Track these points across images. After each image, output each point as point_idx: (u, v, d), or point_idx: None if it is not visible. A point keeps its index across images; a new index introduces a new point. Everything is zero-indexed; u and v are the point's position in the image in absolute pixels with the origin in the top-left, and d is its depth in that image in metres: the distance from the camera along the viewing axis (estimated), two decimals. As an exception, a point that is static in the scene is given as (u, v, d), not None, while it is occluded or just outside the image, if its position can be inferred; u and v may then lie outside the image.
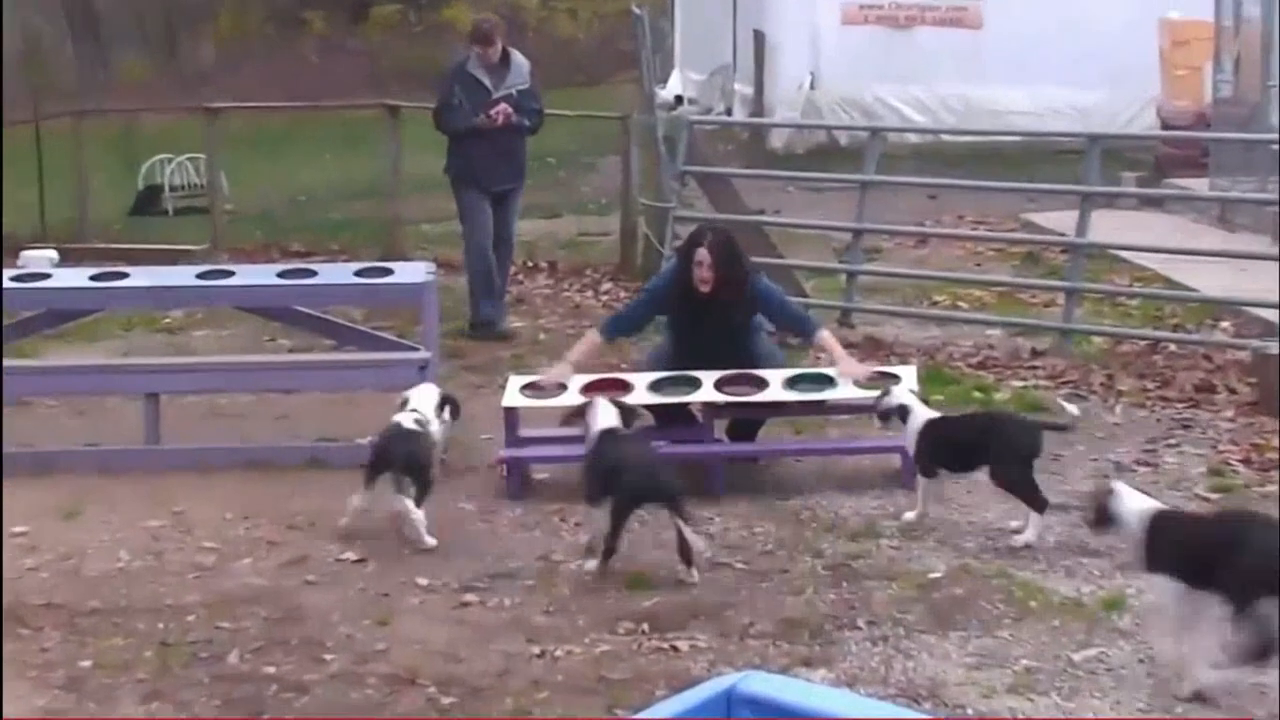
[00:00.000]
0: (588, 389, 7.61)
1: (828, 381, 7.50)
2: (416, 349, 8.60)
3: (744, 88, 22.55)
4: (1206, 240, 12.82)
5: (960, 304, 11.71)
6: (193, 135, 17.36)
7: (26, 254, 13.32)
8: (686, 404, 7.56)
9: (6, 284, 8.37)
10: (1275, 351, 8.54)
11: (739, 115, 22.13)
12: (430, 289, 8.51)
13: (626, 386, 7.60)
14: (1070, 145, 15.72)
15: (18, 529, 6.84)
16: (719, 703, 2.93)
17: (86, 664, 5.49)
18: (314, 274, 8.83)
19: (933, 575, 6.15)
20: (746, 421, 7.82)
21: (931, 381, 8.95)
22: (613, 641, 5.60)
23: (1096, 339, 10.28)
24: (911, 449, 6.84)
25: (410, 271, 8.82)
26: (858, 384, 7.42)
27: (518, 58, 11.03)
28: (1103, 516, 5.32)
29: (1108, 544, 6.44)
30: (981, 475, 6.71)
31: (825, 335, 7.73)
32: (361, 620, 5.83)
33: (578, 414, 6.84)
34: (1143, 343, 10.11)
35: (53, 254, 13.50)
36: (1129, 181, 15.33)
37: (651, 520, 6.88)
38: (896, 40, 20.83)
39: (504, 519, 6.94)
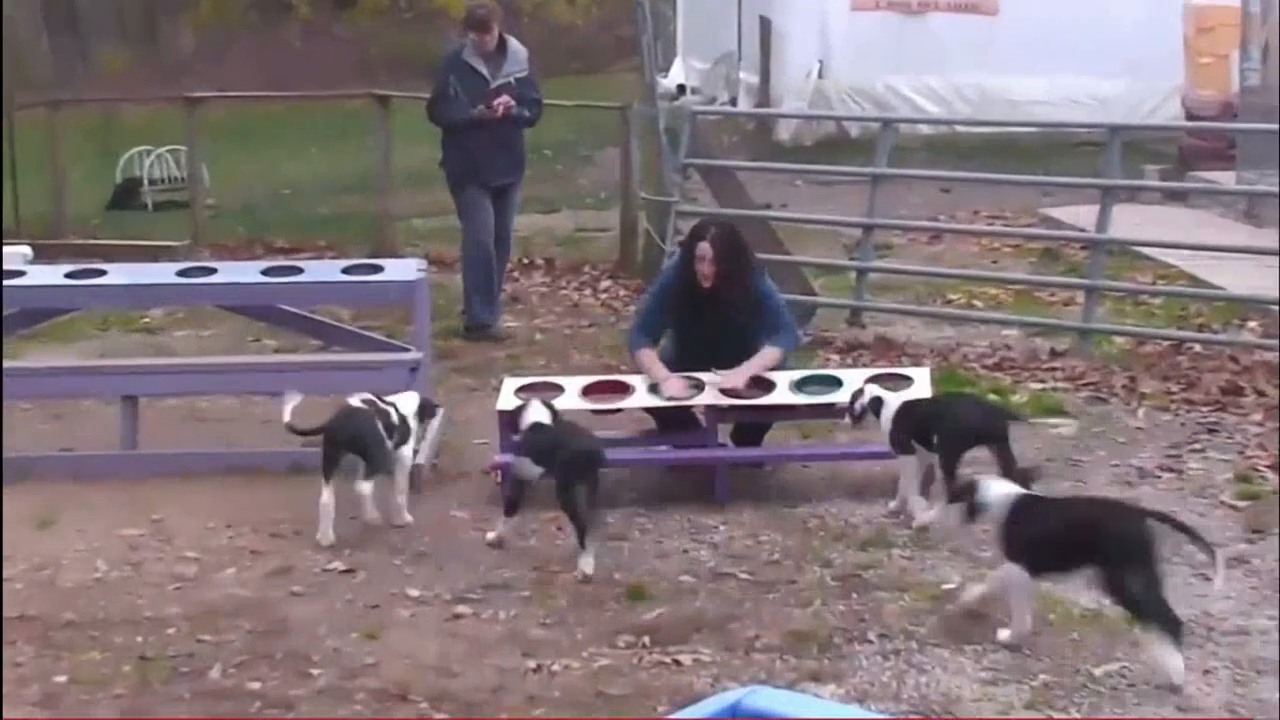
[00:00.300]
0: (588, 391, 7.62)
1: (836, 384, 7.50)
2: (407, 350, 8.59)
3: (749, 76, 22.56)
4: (1233, 236, 12.80)
5: (975, 303, 11.71)
6: (173, 126, 17.37)
7: (-1, 250, 13.33)
8: (689, 407, 7.55)
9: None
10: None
11: (744, 105, 22.13)
12: (422, 287, 8.51)
13: (627, 389, 7.61)
14: (1090, 137, 15.73)
15: (-10, 538, 6.84)
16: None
17: (62, 679, 5.49)
18: (300, 271, 8.84)
19: (947, 586, 6.14)
20: (752, 425, 7.82)
21: (946, 383, 8.94)
22: (612, 655, 5.60)
23: (1118, 339, 10.28)
24: (887, 435, 6.99)
25: (401, 269, 8.82)
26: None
27: (515, 45, 11.01)
28: (968, 505, 5.74)
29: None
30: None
31: (768, 351, 7.61)
32: (349, 633, 5.83)
33: (514, 416, 7.02)
34: (1166, 343, 10.11)
35: (26, 250, 13.49)
36: (1152, 175, 15.33)
37: (653, 529, 6.88)
38: (909, 27, 20.83)
39: (498, 527, 6.93)
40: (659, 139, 12.16)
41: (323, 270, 9.36)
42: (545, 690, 5.32)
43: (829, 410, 7.59)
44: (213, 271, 8.85)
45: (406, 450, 7.15)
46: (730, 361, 7.54)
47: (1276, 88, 14.24)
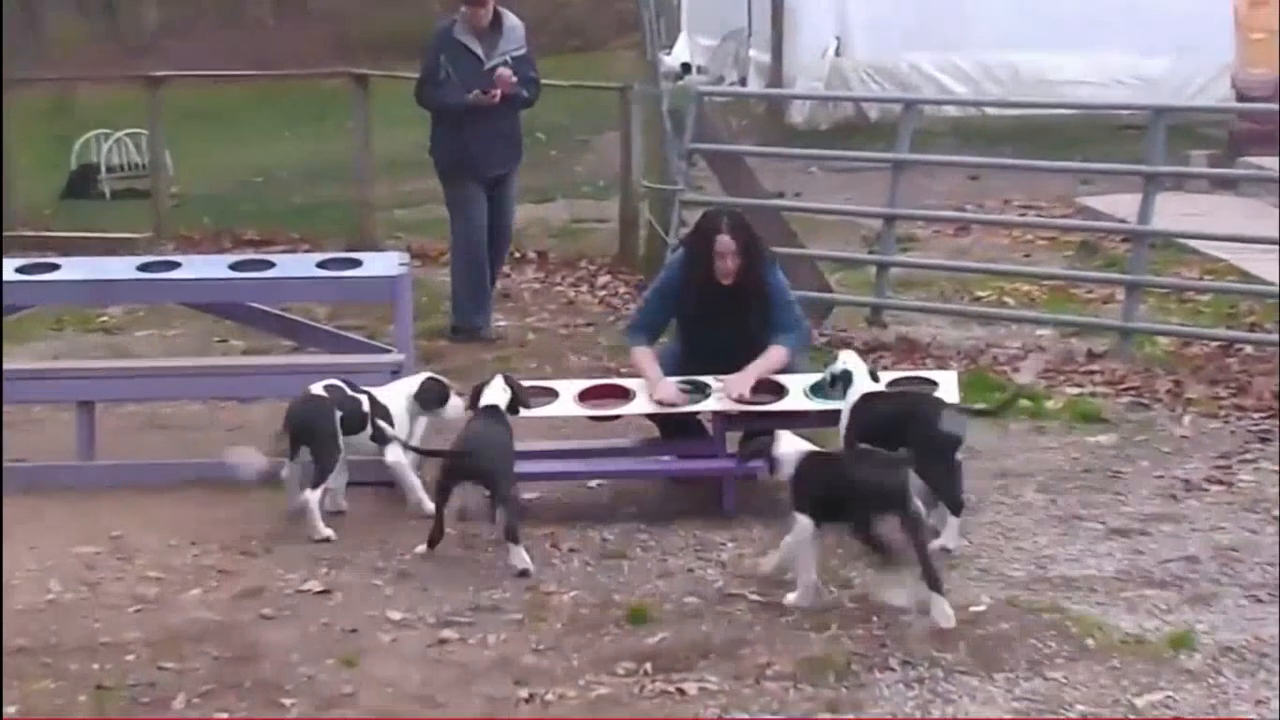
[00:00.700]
0: (585, 396, 7.61)
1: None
2: (388, 351, 8.59)
3: (760, 54, 22.54)
4: (1287, 227, 12.79)
5: (1006, 300, 11.70)
6: (133, 108, 17.37)
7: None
8: (695, 414, 7.55)
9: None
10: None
11: (754, 86, 22.12)
12: (404, 283, 8.50)
13: (627, 394, 7.60)
14: (1132, 119, 15.72)
15: (-66, 556, 6.83)
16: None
17: (12, 710, 5.49)
18: (271, 266, 8.83)
19: (975, 609, 6.14)
20: (762, 433, 7.80)
21: (973, 388, 8.93)
22: (611, 684, 5.59)
23: (1162, 340, 10.27)
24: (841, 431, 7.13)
25: (381, 263, 8.82)
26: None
27: (510, 19, 10.92)
28: (768, 460, 6.42)
29: (1175, 574, 6.45)
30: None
31: (774, 351, 7.62)
32: (325, 660, 5.83)
33: (475, 392, 7.21)
34: (1214, 344, 10.10)
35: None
36: (1199, 161, 15.32)
37: (655, 546, 6.88)
38: None
39: (488, 545, 6.94)
40: (662, 122, 12.15)
41: (296, 265, 9.35)
42: (538, 722, 5.32)
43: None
44: (176, 266, 8.85)
45: (393, 452, 7.16)
46: (742, 363, 7.53)
47: (1334, 66, 14.24)
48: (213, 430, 8.79)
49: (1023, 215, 14.61)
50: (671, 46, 25.50)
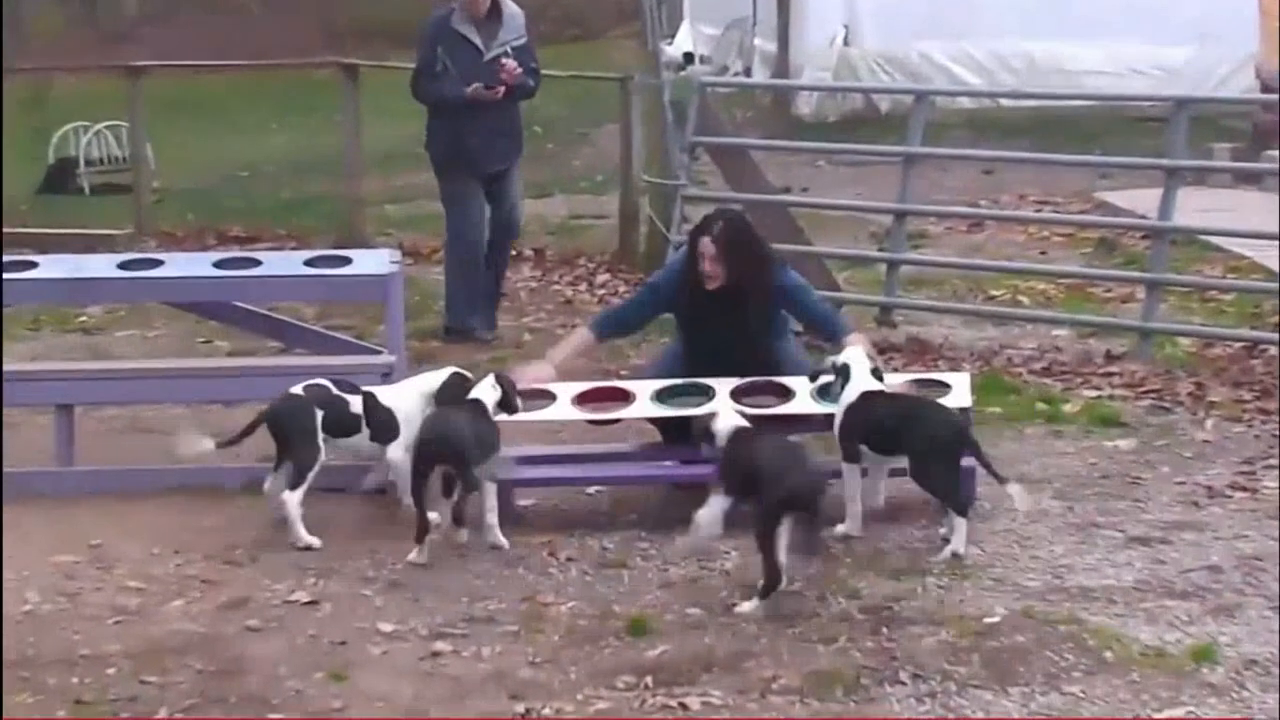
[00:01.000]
0: (583, 399, 7.62)
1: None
2: (379, 352, 8.59)
3: (766, 43, 22.56)
4: (1314, 223, 12.80)
5: (1021, 299, 11.71)
6: (113, 99, 17.38)
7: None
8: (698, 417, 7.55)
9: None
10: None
11: (759, 76, 22.14)
12: (395, 281, 8.51)
13: (627, 397, 7.61)
14: (1153, 111, 15.72)
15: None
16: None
17: (-12, 725, 5.49)
18: (257, 264, 8.82)
19: (989, 620, 6.15)
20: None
21: (987, 391, 8.95)
22: (611, 698, 5.60)
23: (1183, 341, 10.28)
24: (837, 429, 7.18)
25: (371, 261, 8.82)
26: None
27: (510, 7, 10.84)
28: (705, 433, 6.77)
29: (1197, 584, 6.45)
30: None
31: (856, 339, 7.68)
32: (313, 673, 5.83)
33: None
34: (1238, 345, 10.11)
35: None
36: (1222, 154, 15.35)
37: (656, 555, 6.89)
38: (946, -13, 20.84)
39: (482, 553, 6.94)
40: (664, 114, 12.16)
41: (283, 263, 9.34)
42: (535, 737, 5.32)
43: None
44: (158, 264, 8.85)
45: (394, 450, 7.18)
46: (742, 369, 7.55)
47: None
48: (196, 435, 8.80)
49: (1039, 211, 14.63)
50: (673, 35, 25.55)
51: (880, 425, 6.98)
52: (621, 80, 13.48)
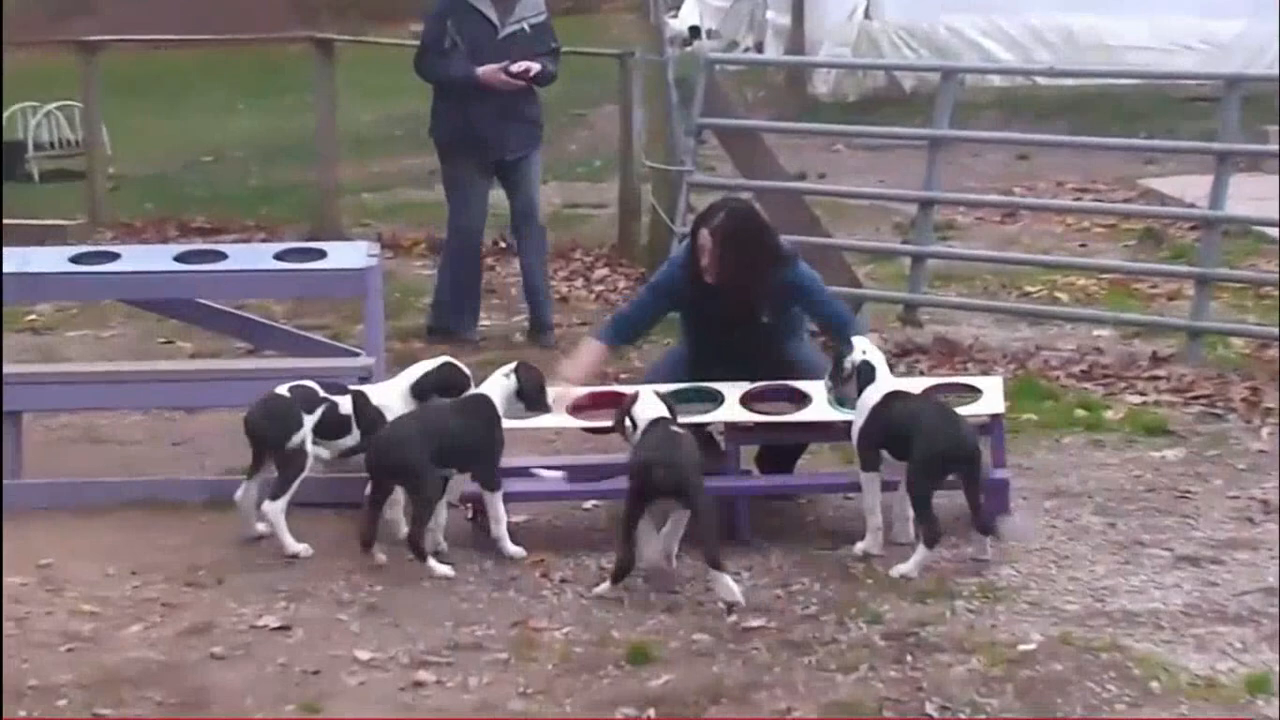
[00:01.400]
0: (579, 406, 7.62)
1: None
2: (356, 354, 8.59)
3: (779, 16, 22.58)
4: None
5: (1059, 296, 11.72)
6: (66, 77, 17.38)
7: None
8: (705, 425, 7.55)
9: None
10: None
11: (772, 52, 22.15)
12: (373, 276, 8.50)
13: (627, 403, 7.61)
14: (1202, 90, 15.73)
15: None
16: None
17: (-72, 762, 5.49)
18: (223, 257, 8.83)
19: (1024, 647, 6.14)
20: (782, 448, 7.82)
21: (1022, 397, 8.95)
22: (609, 733, 5.60)
23: (1236, 341, 10.28)
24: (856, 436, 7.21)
25: (347, 254, 8.82)
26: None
27: None
28: (620, 421, 6.98)
29: (1252, 608, 6.45)
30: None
31: (862, 341, 7.65)
32: (284, 705, 5.83)
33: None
34: (1296, 346, 10.12)
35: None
36: (1277, 137, 15.33)
37: (657, 576, 6.88)
38: (976, -45, 20.86)
39: (468, 574, 6.94)
40: (667, 94, 12.16)
41: (251, 256, 9.35)
42: (526, 776, 5.33)
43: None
44: (115, 257, 8.84)
45: None
46: (756, 372, 7.54)
47: None
48: (156, 445, 8.79)
49: (1078, 199, 14.63)
50: (678, 8, 25.54)
51: (903, 429, 6.97)
52: (621, 57, 13.49)
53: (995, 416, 7.40)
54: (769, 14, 23.12)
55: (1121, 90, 18.24)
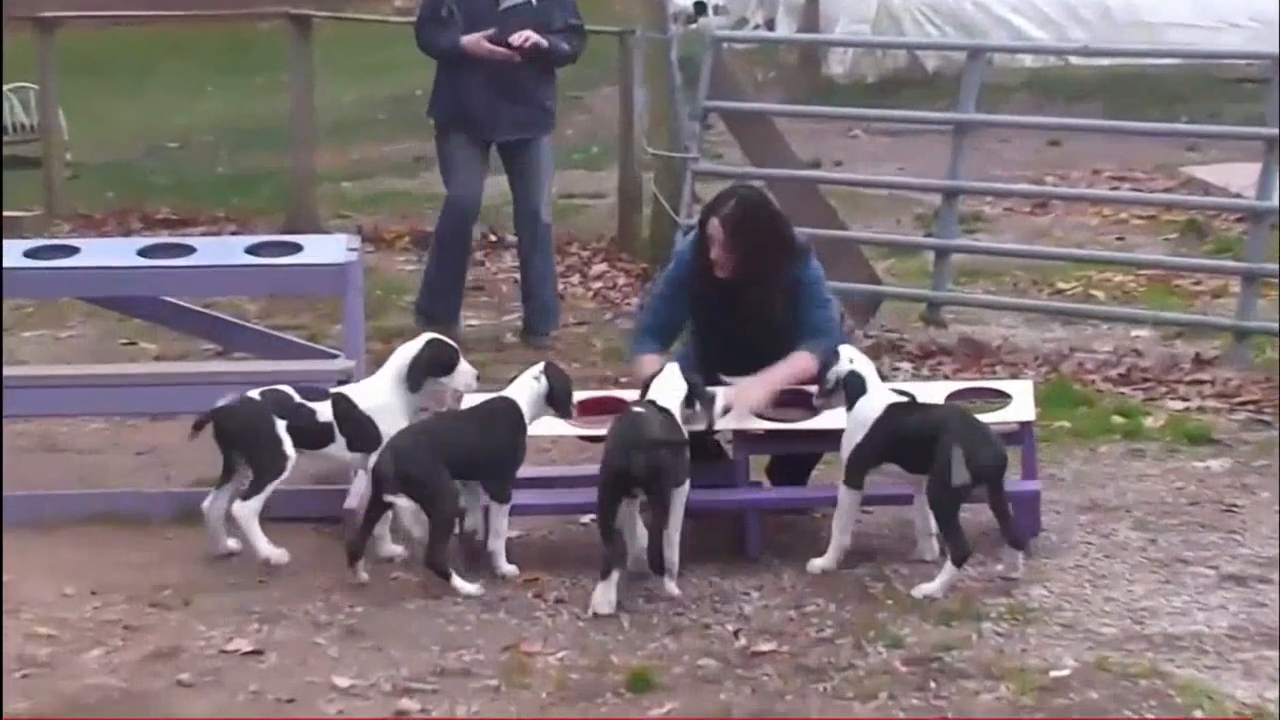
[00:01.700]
0: (575, 411, 7.62)
1: (909, 403, 7.50)
2: (334, 355, 8.59)
3: (792, -9, 22.57)
4: None
5: (1095, 294, 11.71)
6: (20, 57, 17.37)
7: None
8: (710, 434, 7.55)
9: None
10: None
11: (784, 30, 22.15)
12: (353, 272, 8.51)
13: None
14: (1250, 71, 15.73)
15: None
16: None
17: None
18: (190, 251, 8.83)
19: (1057, 673, 6.14)
20: (794, 458, 7.82)
21: (1054, 402, 8.94)
22: (608, 766, 5.61)
23: (1286, 342, 10.28)
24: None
25: (325, 248, 8.82)
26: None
27: None
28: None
29: (1302, 630, 6.46)
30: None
31: (798, 357, 7.61)
32: (256, 736, 5.84)
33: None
34: (1351, 348, 10.12)
35: None
36: (1331, 122, 15.32)
37: (662, 597, 6.89)
38: (1005, -76, 20.87)
39: (456, 594, 6.94)
40: (671, 74, 12.17)
41: (221, 250, 9.36)
42: (518, 812, 5.34)
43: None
44: (73, 252, 8.85)
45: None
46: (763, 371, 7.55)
47: None
48: (118, 454, 8.79)
49: (1114, 189, 14.62)
50: (683, -19, 25.52)
51: (920, 440, 6.94)
52: (621, 34, 13.48)
53: (1025, 424, 7.40)
54: (781, -12, 23.16)
55: (1162, 70, 18.22)
